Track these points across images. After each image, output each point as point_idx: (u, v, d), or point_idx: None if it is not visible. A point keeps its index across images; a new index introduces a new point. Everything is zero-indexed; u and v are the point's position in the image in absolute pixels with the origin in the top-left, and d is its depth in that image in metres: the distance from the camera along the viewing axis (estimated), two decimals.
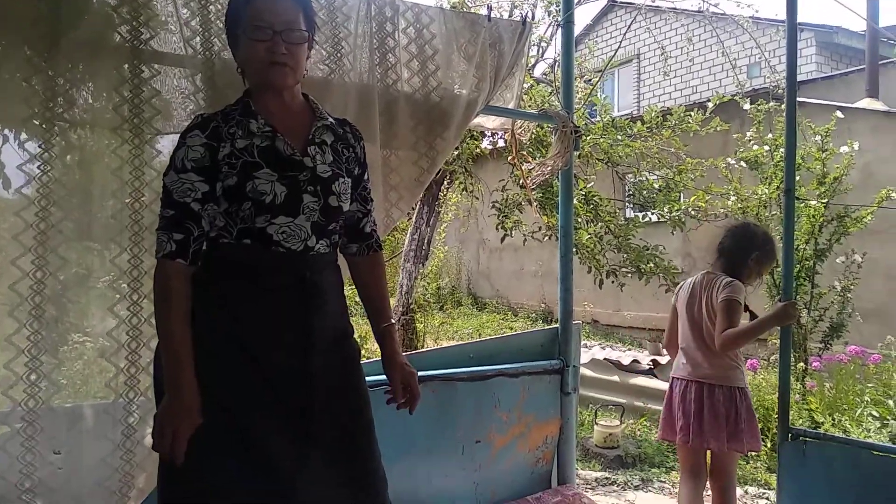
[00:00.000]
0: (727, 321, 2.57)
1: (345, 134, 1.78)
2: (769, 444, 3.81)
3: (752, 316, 2.71)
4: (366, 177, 1.84)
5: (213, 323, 1.55)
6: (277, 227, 1.58)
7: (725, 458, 2.66)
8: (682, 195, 5.94)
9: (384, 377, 1.86)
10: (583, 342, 7.30)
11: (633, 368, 5.57)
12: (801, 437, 2.43)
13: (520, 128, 3.34)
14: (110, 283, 1.92)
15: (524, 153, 3.50)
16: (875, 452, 2.42)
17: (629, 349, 7.20)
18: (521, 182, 4.37)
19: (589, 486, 3.84)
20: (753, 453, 4.11)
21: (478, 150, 6.27)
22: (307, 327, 1.60)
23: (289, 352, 1.58)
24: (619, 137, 5.56)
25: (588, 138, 5.53)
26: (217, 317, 1.56)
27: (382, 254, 1.91)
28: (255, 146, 1.59)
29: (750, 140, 5.71)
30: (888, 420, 3.93)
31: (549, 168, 3.26)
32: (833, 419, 4.06)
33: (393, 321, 1.86)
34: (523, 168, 3.46)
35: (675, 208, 5.45)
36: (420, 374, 2.81)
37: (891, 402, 4.04)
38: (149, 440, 1.63)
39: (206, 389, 1.51)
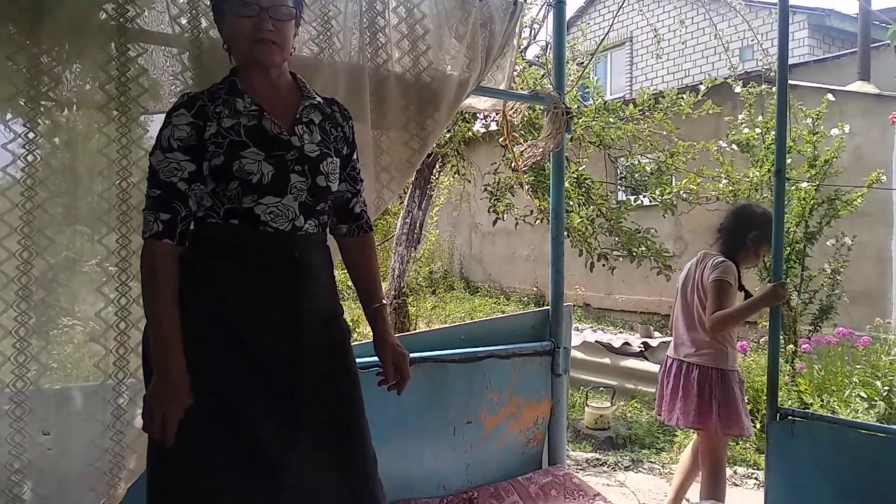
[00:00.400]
0: (717, 303, 2.57)
1: (333, 113, 1.76)
2: (758, 425, 3.84)
3: (747, 295, 2.71)
4: (355, 156, 1.82)
5: (201, 303, 1.54)
6: (265, 208, 1.57)
7: (711, 440, 2.67)
8: (673, 178, 5.95)
9: (375, 359, 1.86)
10: (574, 325, 7.33)
11: (624, 351, 5.61)
12: (789, 417, 2.44)
13: (511, 109, 3.32)
14: (98, 263, 1.91)
15: (516, 135, 3.48)
16: (862, 431, 2.44)
17: (620, 332, 7.23)
18: (512, 165, 4.36)
19: (580, 467, 3.87)
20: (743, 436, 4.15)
21: (470, 134, 6.25)
22: (296, 308, 1.59)
23: (277, 334, 1.58)
24: (611, 120, 5.55)
25: (580, 121, 5.52)
26: (205, 296, 1.55)
27: (373, 235, 1.90)
28: (242, 125, 1.58)
29: (741, 123, 5.71)
30: (875, 401, 3.97)
31: (541, 150, 3.25)
32: (822, 400, 4.10)
33: (384, 302, 1.86)
34: (515, 150, 3.45)
35: (667, 191, 5.45)
36: (411, 355, 2.80)
37: (878, 384, 4.08)
38: (139, 421, 1.62)
39: (195, 373, 1.51)
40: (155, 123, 1.93)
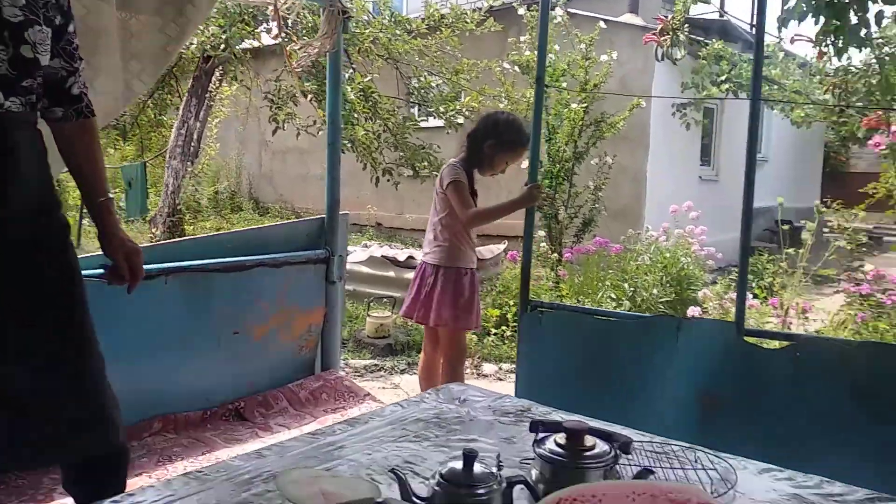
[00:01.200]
0: (462, 202, 2.66)
1: None
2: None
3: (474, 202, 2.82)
4: (71, 28, 1.57)
5: None
6: None
7: (443, 332, 2.80)
8: (462, 96, 6.07)
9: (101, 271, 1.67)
10: (364, 243, 7.37)
11: (408, 264, 5.73)
12: (538, 309, 2.65)
13: (284, 5, 3.14)
14: None
15: (289, 32, 3.30)
16: (597, 317, 2.77)
17: (408, 248, 7.39)
18: (290, 68, 4.17)
19: (358, 373, 3.94)
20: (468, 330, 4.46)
21: (257, 43, 5.86)
22: None
23: None
24: (398, 33, 5.49)
25: (367, 32, 5.40)
26: None
27: (95, 121, 1.67)
28: None
29: (524, 45, 5.93)
30: (622, 300, 4.45)
31: (317, 50, 3.11)
32: (578, 301, 4.51)
33: (111, 196, 1.66)
34: (289, 49, 3.28)
35: (451, 108, 5.55)
36: (173, 264, 2.63)
37: (626, 286, 4.57)
38: None
39: None
40: None
